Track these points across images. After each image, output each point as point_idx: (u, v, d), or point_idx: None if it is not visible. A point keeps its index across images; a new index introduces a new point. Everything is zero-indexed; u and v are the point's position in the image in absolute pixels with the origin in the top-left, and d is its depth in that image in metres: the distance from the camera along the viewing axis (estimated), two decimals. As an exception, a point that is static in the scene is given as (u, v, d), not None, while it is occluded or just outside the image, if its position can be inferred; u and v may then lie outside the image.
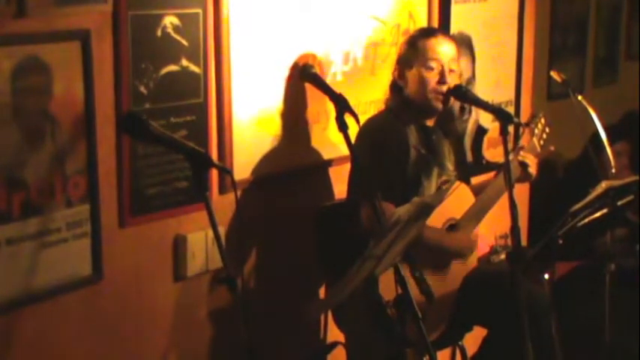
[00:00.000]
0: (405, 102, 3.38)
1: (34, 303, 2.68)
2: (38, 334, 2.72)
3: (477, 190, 3.50)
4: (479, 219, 3.45)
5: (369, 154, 3.20)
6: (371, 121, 3.35)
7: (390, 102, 3.44)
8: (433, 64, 3.33)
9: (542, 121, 3.61)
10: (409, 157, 3.34)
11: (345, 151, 3.27)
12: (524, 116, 4.49)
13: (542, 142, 3.58)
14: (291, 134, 3.43)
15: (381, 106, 3.52)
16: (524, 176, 3.49)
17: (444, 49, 3.36)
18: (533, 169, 3.47)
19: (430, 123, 3.44)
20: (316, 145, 3.53)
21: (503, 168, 3.21)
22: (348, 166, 3.43)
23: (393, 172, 3.28)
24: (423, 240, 3.17)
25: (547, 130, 3.61)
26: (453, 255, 3.38)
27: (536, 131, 3.56)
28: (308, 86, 3.34)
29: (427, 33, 3.44)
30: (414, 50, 3.35)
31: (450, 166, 3.49)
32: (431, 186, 3.38)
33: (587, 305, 4.23)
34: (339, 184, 3.54)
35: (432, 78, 3.33)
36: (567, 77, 4.08)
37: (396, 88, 3.40)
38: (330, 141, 3.56)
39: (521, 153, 3.48)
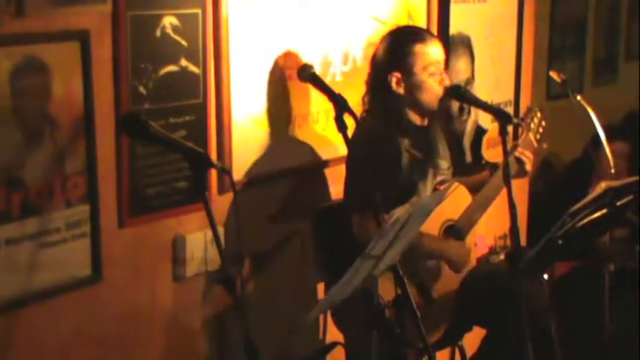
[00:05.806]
0: (397, 108, 3.35)
1: (34, 303, 2.68)
2: (38, 334, 2.72)
3: (472, 185, 3.48)
4: (478, 217, 3.44)
5: (362, 165, 3.18)
6: (360, 132, 3.22)
7: (376, 108, 3.36)
8: (434, 68, 3.32)
9: (538, 115, 3.58)
10: (403, 163, 3.32)
11: (343, 151, 3.26)
12: (523, 116, 4.49)
13: (538, 136, 3.56)
14: (290, 134, 3.43)
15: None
16: (520, 172, 3.46)
17: (438, 51, 3.35)
18: (529, 166, 3.45)
19: (423, 123, 3.42)
20: (315, 146, 3.54)
21: (501, 167, 3.21)
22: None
23: (387, 180, 3.27)
24: (420, 248, 3.17)
25: (543, 124, 3.57)
26: (447, 263, 3.37)
27: (532, 126, 3.52)
28: (307, 86, 3.34)
29: (418, 37, 3.35)
30: (411, 57, 3.29)
31: (444, 164, 3.48)
32: (427, 189, 3.37)
33: (586, 305, 4.23)
34: (337, 184, 3.54)
35: (436, 82, 3.32)
36: (566, 77, 4.08)
37: (387, 94, 3.33)
38: (329, 141, 3.56)
39: (519, 149, 3.45)
